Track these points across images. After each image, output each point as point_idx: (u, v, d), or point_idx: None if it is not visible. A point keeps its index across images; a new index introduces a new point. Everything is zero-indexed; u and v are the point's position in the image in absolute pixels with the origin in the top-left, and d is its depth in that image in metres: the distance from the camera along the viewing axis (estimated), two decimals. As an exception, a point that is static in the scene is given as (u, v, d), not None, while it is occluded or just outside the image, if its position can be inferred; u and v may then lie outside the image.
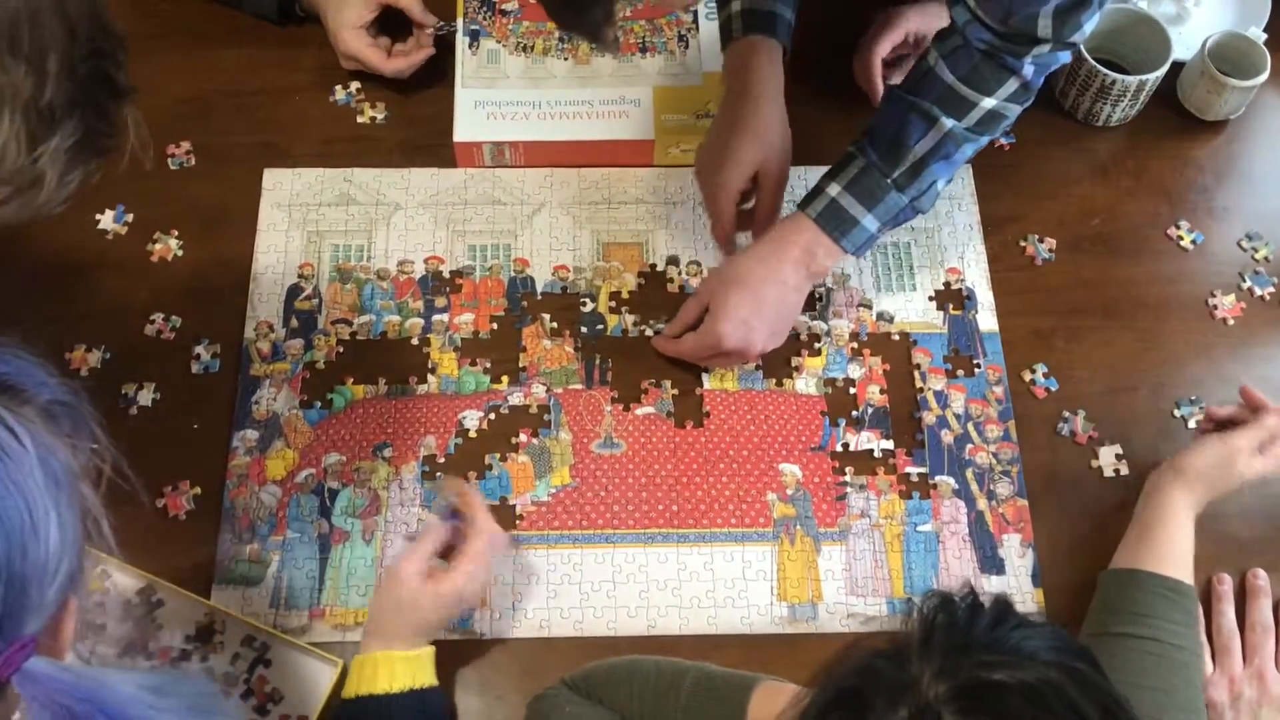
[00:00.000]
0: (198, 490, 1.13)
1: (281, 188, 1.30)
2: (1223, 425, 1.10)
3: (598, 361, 1.22)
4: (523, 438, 1.17)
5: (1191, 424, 1.19)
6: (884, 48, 1.32)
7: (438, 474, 1.15)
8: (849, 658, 0.62)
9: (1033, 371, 1.22)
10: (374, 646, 1.00)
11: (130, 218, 1.28)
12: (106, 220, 1.27)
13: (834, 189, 1.13)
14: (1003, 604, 0.63)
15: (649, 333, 1.23)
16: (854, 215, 1.13)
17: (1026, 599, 1.10)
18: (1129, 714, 0.60)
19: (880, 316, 1.25)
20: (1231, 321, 1.26)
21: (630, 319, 1.24)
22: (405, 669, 0.99)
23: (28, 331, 1.18)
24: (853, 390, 1.21)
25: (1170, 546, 1.04)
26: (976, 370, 1.22)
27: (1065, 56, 1.10)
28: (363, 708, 0.98)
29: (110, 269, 1.24)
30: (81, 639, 1.05)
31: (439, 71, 1.35)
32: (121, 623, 1.06)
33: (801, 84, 1.22)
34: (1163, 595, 1.01)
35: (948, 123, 1.10)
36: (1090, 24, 1.05)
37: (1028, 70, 1.08)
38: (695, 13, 1.39)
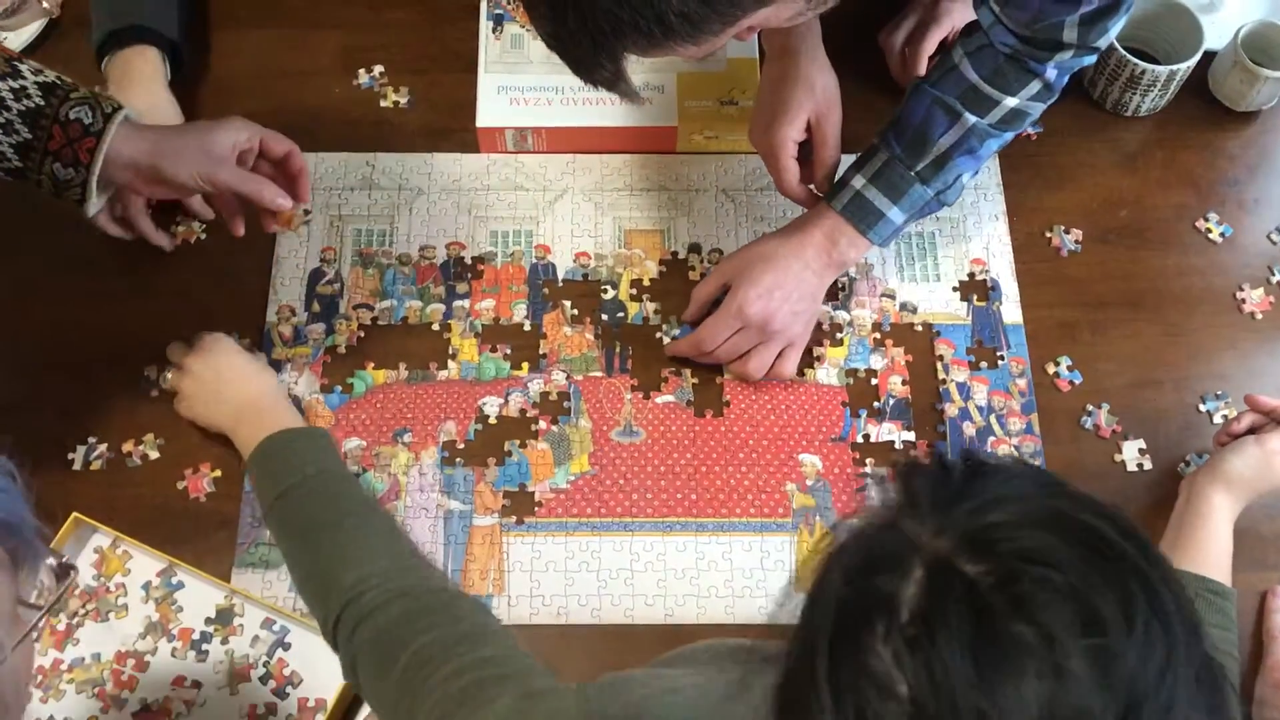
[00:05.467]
0: (218, 473, 1.14)
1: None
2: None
3: (618, 349, 1.21)
4: (542, 425, 1.17)
5: (1218, 419, 1.18)
6: (931, 44, 1.31)
7: (457, 459, 1.15)
8: (839, 539, 0.61)
9: (1057, 364, 1.21)
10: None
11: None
12: (130, 203, 1.28)
13: (859, 181, 1.13)
14: (972, 456, 0.62)
15: (670, 321, 1.23)
16: (879, 208, 1.13)
17: (1047, 593, 1.10)
18: (1127, 521, 0.59)
19: (903, 307, 1.24)
20: (1260, 316, 1.24)
21: (651, 307, 1.24)
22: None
23: (47, 316, 1.20)
24: (874, 381, 1.20)
25: (1211, 549, 1.04)
26: (1000, 362, 1.21)
27: (1090, 59, 1.11)
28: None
29: (133, 250, 1.24)
30: (102, 619, 1.06)
31: (462, 56, 1.35)
32: (143, 605, 1.07)
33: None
34: (1204, 597, 1.00)
35: (971, 118, 1.10)
36: (1116, 28, 1.06)
37: (1050, 73, 1.09)
38: None
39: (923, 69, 1.30)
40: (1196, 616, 0.57)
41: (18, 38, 1.35)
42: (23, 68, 1.02)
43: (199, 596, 1.07)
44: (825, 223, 1.15)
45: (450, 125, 1.32)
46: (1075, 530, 0.57)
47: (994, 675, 0.52)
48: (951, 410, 1.18)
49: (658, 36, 0.80)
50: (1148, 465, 1.16)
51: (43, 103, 1.01)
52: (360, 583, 0.88)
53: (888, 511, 0.60)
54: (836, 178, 1.17)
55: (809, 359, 1.21)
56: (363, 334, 1.22)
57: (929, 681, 0.53)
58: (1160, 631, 0.54)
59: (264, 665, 1.04)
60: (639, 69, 1.31)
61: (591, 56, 0.84)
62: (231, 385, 1.12)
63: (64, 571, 0.71)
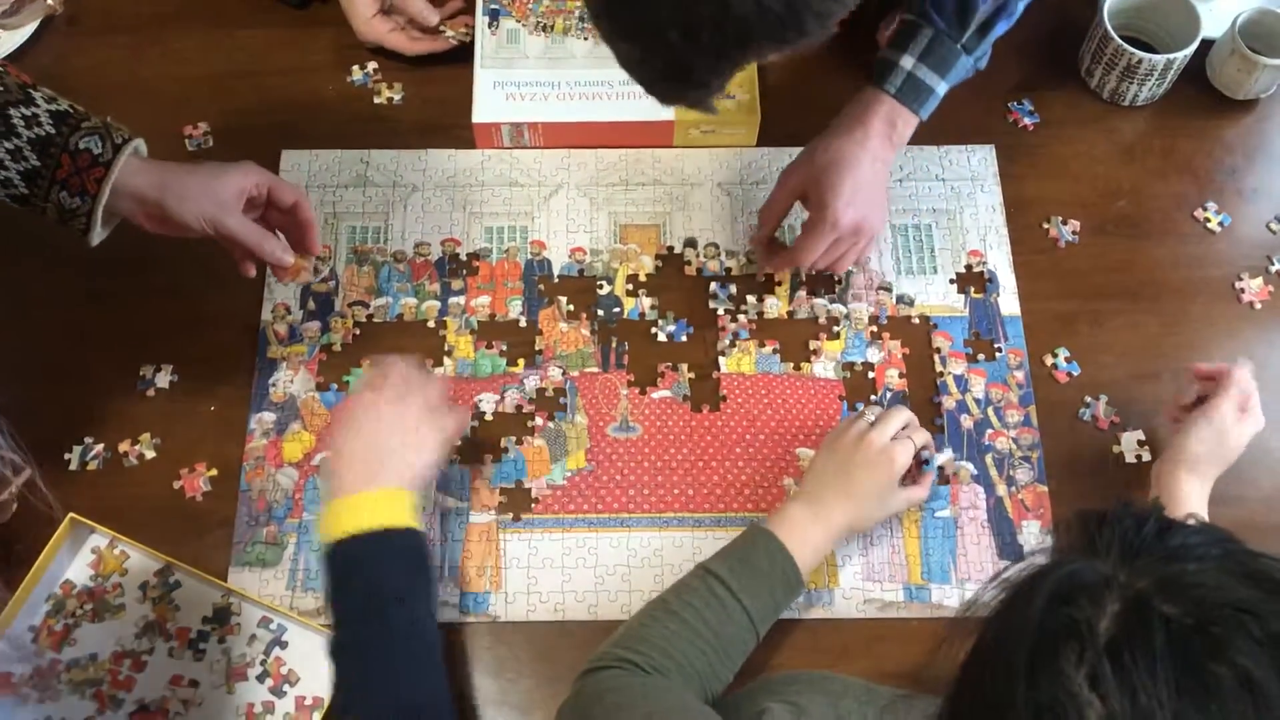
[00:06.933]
0: (214, 472, 1.14)
1: (299, 169, 1.30)
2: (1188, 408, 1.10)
3: (614, 345, 1.21)
4: (539, 421, 1.17)
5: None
6: None
7: (453, 457, 1.14)
8: (1035, 570, 0.63)
9: (1054, 356, 1.20)
10: (347, 489, 1.00)
11: (148, 199, 1.28)
12: (125, 202, 1.27)
13: (907, 61, 1.13)
14: (1162, 513, 0.64)
15: (667, 317, 1.23)
16: (929, 85, 1.14)
17: (1045, 586, 1.10)
18: None
19: (900, 300, 1.24)
20: (1259, 305, 1.24)
21: (647, 302, 1.23)
22: (385, 507, 0.99)
23: (48, 316, 1.20)
24: (871, 374, 1.20)
25: None
26: (997, 354, 1.21)
27: None
28: (339, 555, 0.97)
29: (129, 250, 1.24)
30: (99, 619, 1.06)
31: (457, 52, 1.34)
32: (140, 604, 1.07)
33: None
34: None
35: None
36: None
37: None
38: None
39: None
40: None
41: (16, 35, 1.34)
42: (36, 95, 1.01)
43: (196, 596, 1.07)
44: (881, 109, 1.14)
45: (444, 121, 1.32)
46: (1271, 585, 0.59)
47: (1195, 708, 0.55)
48: (949, 403, 1.18)
49: (790, 40, 0.78)
50: (1146, 457, 1.15)
51: (53, 131, 1.01)
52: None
53: (1072, 552, 0.63)
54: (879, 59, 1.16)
55: (806, 352, 1.20)
56: (358, 331, 1.22)
57: (1130, 704, 0.55)
58: None
59: (261, 664, 1.04)
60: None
61: (709, 72, 0.82)
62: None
63: (17, 469, 0.72)
